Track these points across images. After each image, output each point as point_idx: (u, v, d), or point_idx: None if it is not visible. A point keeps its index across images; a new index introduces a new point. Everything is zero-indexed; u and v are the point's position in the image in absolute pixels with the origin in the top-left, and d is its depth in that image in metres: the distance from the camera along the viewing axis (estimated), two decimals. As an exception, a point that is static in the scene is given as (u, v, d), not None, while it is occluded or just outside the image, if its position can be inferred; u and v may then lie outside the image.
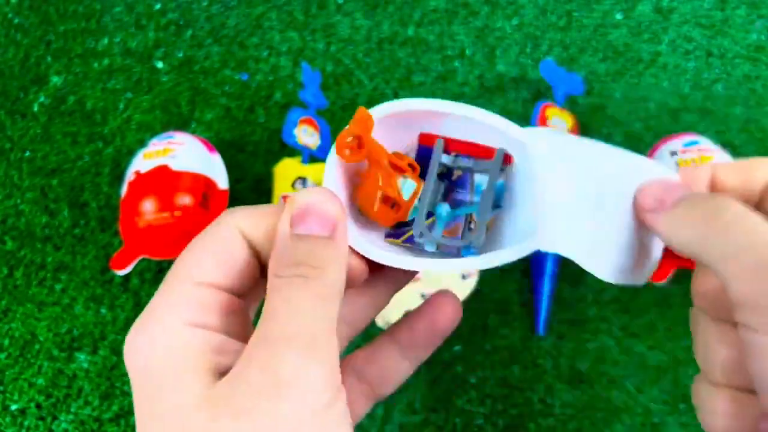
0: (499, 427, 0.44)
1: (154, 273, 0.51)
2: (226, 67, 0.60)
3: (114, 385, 0.47)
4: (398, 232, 0.29)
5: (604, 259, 0.27)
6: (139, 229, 0.47)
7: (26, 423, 0.47)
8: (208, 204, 0.49)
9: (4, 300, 0.51)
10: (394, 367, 0.29)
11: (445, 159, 0.28)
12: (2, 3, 0.65)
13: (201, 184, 0.48)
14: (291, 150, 0.55)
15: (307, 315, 0.21)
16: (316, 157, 0.52)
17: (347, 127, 0.26)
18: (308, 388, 0.20)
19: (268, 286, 0.23)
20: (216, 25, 0.62)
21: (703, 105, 0.55)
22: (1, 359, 0.49)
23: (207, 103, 0.58)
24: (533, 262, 0.48)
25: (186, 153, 0.49)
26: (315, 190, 0.24)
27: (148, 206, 0.47)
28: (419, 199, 0.28)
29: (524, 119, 0.55)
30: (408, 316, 0.29)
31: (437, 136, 0.28)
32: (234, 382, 0.21)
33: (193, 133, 0.56)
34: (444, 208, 0.29)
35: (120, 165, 0.56)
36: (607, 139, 0.54)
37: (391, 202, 0.28)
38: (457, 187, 0.29)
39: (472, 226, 0.28)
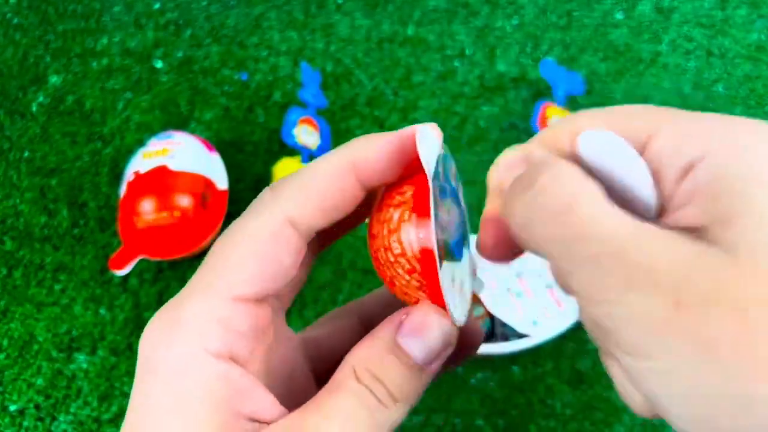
0: (499, 428, 0.44)
1: (154, 273, 0.51)
2: (225, 67, 0.60)
3: (113, 386, 0.47)
4: None
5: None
6: (138, 230, 0.47)
7: (25, 423, 0.46)
8: (207, 204, 0.48)
9: (3, 300, 0.51)
10: None
11: None
12: (1, 2, 0.65)
13: (200, 185, 0.48)
14: (290, 150, 0.55)
15: None
16: (316, 156, 0.52)
17: None
18: None
19: (337, 376, 0.19)
20: (215, 25, 0.62)
21: (703, 105, 0.54)
22: (0, 359, 0.49)
23: (206, 103, 0.58)
24: (533, 263, 0.48)
25: (185, 153, 0.49)
26: (435, 310, 0.20)
27: (147, 206, 0.47)
28: None
29: (524, 119, 0.55)
30: None
31: None
32: None
33: (193, 132, 0.56)
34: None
35: (119, 165, 0.56)
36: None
37: None
38: None
39: None
